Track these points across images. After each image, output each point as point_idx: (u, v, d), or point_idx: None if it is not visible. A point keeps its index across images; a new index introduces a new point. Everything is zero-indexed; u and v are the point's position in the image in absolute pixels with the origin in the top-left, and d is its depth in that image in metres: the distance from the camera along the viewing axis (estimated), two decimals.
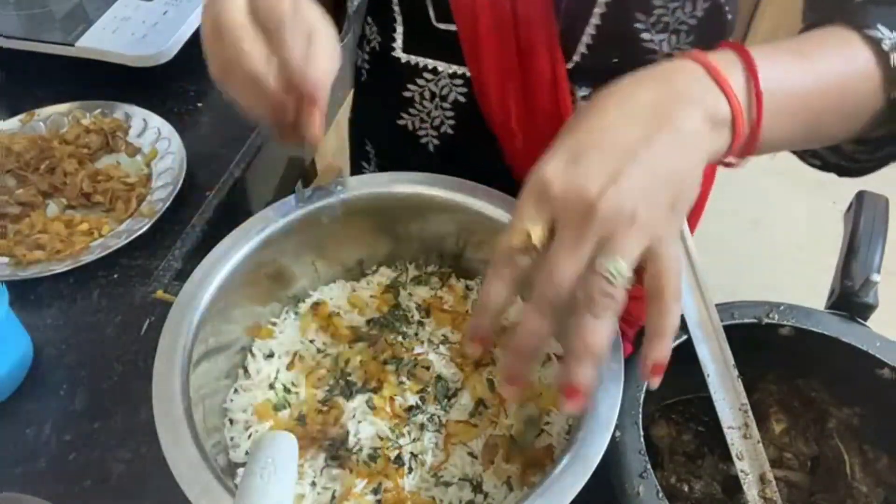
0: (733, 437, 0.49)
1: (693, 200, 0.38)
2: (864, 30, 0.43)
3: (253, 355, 0.59)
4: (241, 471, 0.52)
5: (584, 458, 0.43)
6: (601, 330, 0.37)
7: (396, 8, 0.65)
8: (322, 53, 0.45)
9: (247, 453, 0.53)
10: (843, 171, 0.51)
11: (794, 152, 0.52)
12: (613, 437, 0.46)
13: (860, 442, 0.54)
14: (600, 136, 0.37)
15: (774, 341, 0.53)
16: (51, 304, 0.70)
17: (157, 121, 0.85)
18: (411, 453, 0.53)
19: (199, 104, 0.90)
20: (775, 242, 1.95)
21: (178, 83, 0.93)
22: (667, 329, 0.37)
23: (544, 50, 0.60)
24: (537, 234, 0.37)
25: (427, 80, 0.67)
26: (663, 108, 0.37)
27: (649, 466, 0.45)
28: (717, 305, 0.52)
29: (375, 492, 0.51)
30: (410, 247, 0.65)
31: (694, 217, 0.81)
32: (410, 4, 0.65)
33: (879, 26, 0.43)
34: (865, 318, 0.53)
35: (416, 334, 0.61)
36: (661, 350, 0.38)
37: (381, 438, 0.53)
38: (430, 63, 0.66)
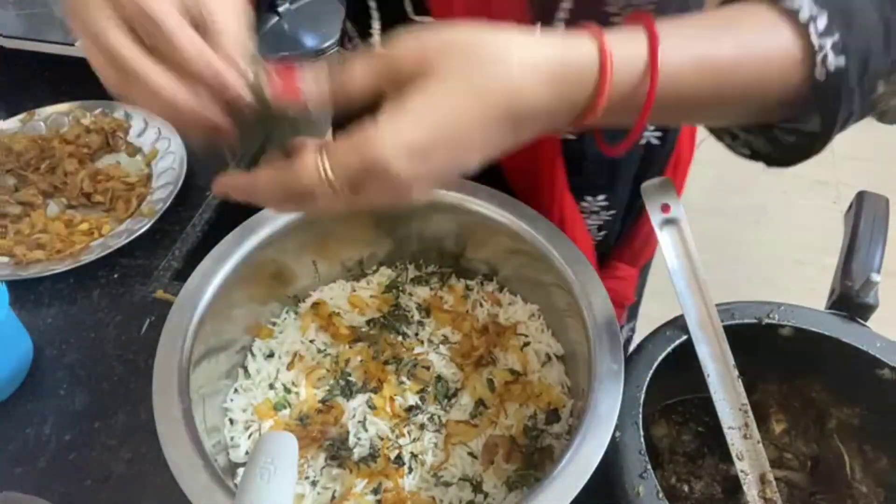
0: (733, 438, 0.49)
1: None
2: (781, 1, 0.40)
3: (253, 355, 0.59)
4: (241, 471, 0.52)
5: (584, 458, 0.43)
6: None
7: (373, 3, 0.65)
8: (224, 32, 0.40)
9: (247, 453, 0.53)
10: (770, 161, 0.48)
11: (723, 136, 0.49)
12: (613, 438, 0.46)
13: (860, 442, 0.54)
14: (454, 140, 0.37)
15: (775, 342, 0.53)
16: (51, 304, 0.70)
17: (157, 120, 0.86)
18: (411, 453, 0.53)
19: None
20: (776, 243, 1.95)
21: None
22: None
23: None
24: (332, 186, 0.37)
25: None
26: (519, 130, 0.38)
27: (649, 467, 0.45)
28: (717, 306, 0.52)
29: (375, 492, 0.51)
30: (410, 247, 0.65)
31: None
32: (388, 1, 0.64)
33: None
34: (866, 319, 0.53)
35: (417, 334, 0.61)
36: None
37: (382, 438, 0.53)
38: None
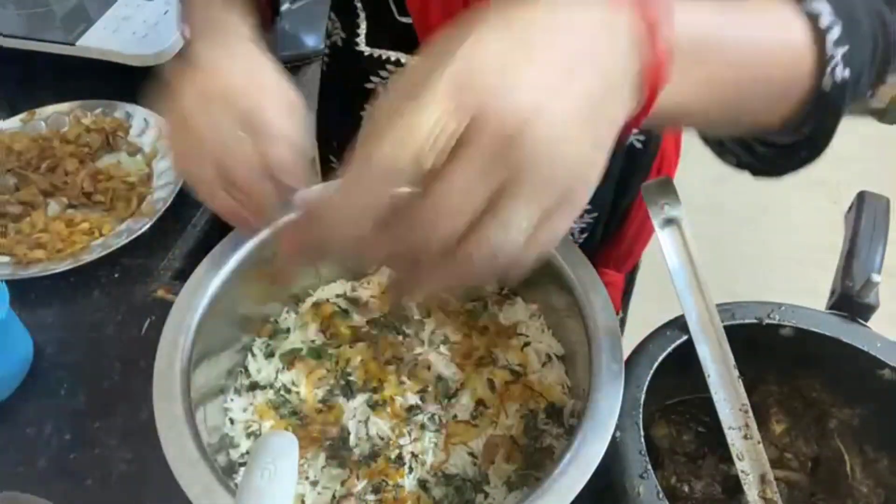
0: (734, 438, 0.49)
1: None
2: (804, 2, 0.38)
3: (253, 355, 0.59)
4: (241, 470, 0.52)
5: (584, 458, 0.43)
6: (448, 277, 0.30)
7: (359, 4, 0.66)
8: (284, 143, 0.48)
9: (247, 453, 0.53)
10: (756, 172, 0.47)
11: (711, 143, 0.48)
12: (614, 438, 0.46)
13: (861, 442, 0.54)
14: (543, 48, 0.29)
15: (775, 342, 0.53)
16: (51, 304, 0.70)
17: (157, 120, 0.85)
18: (411, 453, 0.53)
19: None
20: (776, 243, 1.95)
21: None
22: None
23: None
24: (448, 133, 0.27)
25: (390, 73, 0.69)
26: (601, 56, 0.30)
27: (650, 467, 0.45)
28: (717, 306, 0.51)
29: (375, 492, 0.51)
30: None
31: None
32: (374, 1, 0.66)
33: (821, 2, 0.38)
34: (866, 319, 0.53)
35: (417, 334, 0.61)
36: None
37: (382, 438, 0.53)
38: (393, 55, 0.68)
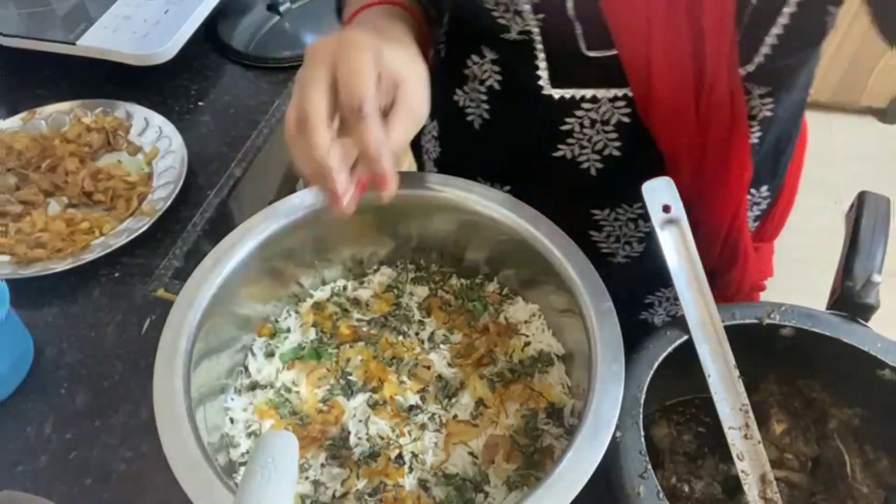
0: (734, 438, 0.49)
1: None
2: None
3: (254, 354, 0.59)
4: (241, 469, 0.52)
5: (584, 458, 0.43)
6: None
7: (539, 45, 0.58)
8: (400, 124, 0.47)
9: (247, 452, 0.53)
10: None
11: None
12: (614, 438, 0.46)
13: (861, 443, 0.54)
14: None
15: (775, 342, 0.53)
16: (52, 303, 0.70)
17: (158, 119, 0.86)
18: (412, 453, 0.53)
19: (200, 103, 0.91)
20: (777, 242, 1.95)
21: (179, 82, 0.93)
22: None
23: (724, 61, 0.55)
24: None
25: (586, 111, 0.61)
26: None
27: (650, 467, 0.45)
28: (718, 306, 0.52)
29: (376, 491, 0.51)
30: (411, 246, 0.65)
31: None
32: (559, 36, 0.57)
33: None
34: (867, 319, 0.53)
35: (417, 334, 0.61)
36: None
37: (382, 438, 0.53)
38: (588, 93, 0.61)
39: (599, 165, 0.64)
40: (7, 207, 0.77)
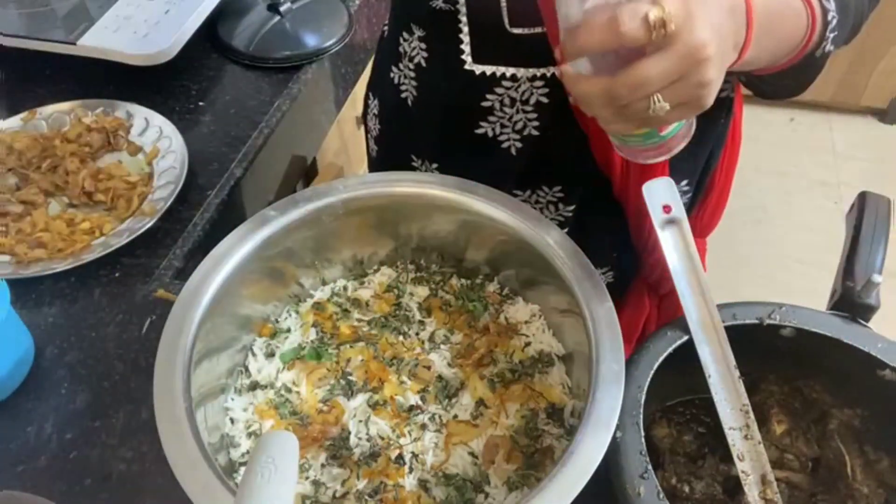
0: (734, 438, 0.49)
1: None
2: None
3: (254, 354, 0.60)
4: (241, 470, 0.52)
5: (584, 459, 0.43)
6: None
7: (464, 19, 0.62)
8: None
9: (247, 453, 0.53)
10: (765, 95, 0.61)
11: (749, 82, 0.61)
12: (614, 438, 0.46)
13: (861, 443, 0.54)
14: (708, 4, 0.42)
15: (776, 342, 0.53)
16: (52, 303, 0.70)
17: (158, 119, 0.85)
18: (412, 453, 0.53)
19: (201, 103, 0.90)
20: (777, 243, 1.95)
21: (179, 82, 0.93)
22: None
23: None
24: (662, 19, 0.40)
25: (507, 89, 0.64)
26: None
27: (650, 467, 0.45)
28: (718, 306, 0.52)
29: (376, 491, 0.51)
30: (411, 247, 0.65)
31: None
32: (483, 10, 0.61)
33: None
34: (867, 320, 0.53)
35: (417, 334, 0.61)
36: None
37: (382, 438, 0.53)
38: (509, 71, 0.64)
39: (519, 145, 0.67)
40: (7, 207, 0.77)
